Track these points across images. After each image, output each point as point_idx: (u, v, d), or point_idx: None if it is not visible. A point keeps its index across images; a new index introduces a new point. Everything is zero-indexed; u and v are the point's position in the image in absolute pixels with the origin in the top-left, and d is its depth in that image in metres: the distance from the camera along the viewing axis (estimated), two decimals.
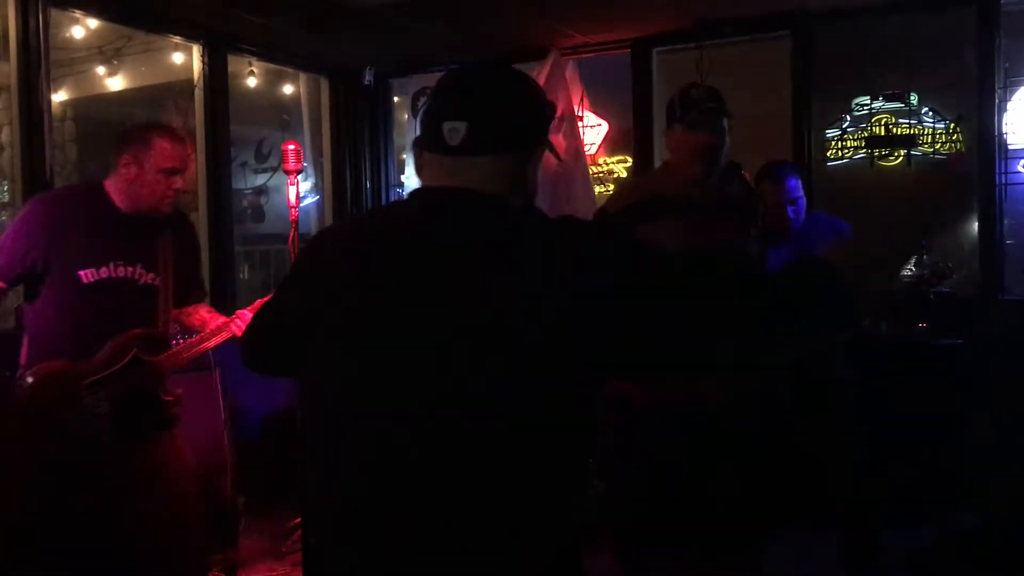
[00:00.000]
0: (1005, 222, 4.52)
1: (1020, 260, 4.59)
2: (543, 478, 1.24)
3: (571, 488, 1.30)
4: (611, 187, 5.58)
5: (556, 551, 1.29)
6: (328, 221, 5.89)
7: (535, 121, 1.37)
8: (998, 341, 4.21)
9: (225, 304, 4.27)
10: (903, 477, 3.92)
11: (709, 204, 2.70)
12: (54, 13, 4.13)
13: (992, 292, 4.48)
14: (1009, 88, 4.50)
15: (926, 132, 4.79)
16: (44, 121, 3.97)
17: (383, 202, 5.99)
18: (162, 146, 2.76)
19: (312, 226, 5.97)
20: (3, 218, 4.80)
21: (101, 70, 5.28)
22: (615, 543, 2.93)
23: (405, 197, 1.47)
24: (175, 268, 2.85)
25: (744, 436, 2.67)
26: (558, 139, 5.18)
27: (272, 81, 5.71)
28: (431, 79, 5.67)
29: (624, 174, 5.52)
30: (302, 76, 5.85)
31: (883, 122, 4.84)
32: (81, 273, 2.69)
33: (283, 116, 6.06)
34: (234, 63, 5.11)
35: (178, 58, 5.05)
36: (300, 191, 3.46)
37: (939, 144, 4.75)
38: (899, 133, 4.79)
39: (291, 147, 3.38)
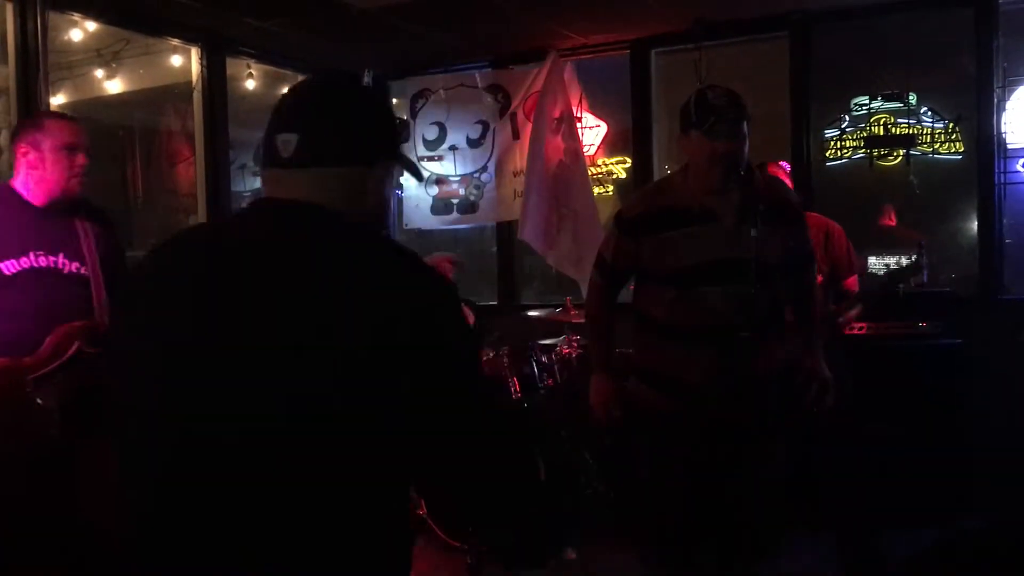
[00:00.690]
0: (1004, 221, 4.52)
1: (1019, 259, 4.59)
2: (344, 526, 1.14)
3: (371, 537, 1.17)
4: (610, 188, 5.58)
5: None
6: None
7: (375, 136, 1.30)
8: (997, 340, 4.21)
9: None
10: (903, 478, 3.92)
11: (727, 212, 2.61)
12: (53, 16, 4.13)
13: (991, 291, 4.48)
14: (1008, 88, 4.50)
15: (925, 132, 4.79)
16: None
17: None
18: (55, 125, 2.79)
19: None
20: None
21: (100, 73, 5.27)
22: (644, 541, 2.91)
23: (237, 212, 1.44)
24: (102, 258, 2.85)
25: (746, 437, 2.67)
26: (557, 141, 5.19)
27: (271, 83, 5.70)
28: (430, 81, 5.68)
29: (623, 175, 5.52)
30: (300, 79, 5.84)
31: (882, 122, 4.84)
32: (2, 265, 2.70)
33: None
34: (232, 66, 5.11)
35: (177, 61, 5.04)
36: None
37: (938, 144, 4.76)
38: (898, 133, 4.80)
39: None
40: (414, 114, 5.76)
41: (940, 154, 4.76)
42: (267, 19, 4.62)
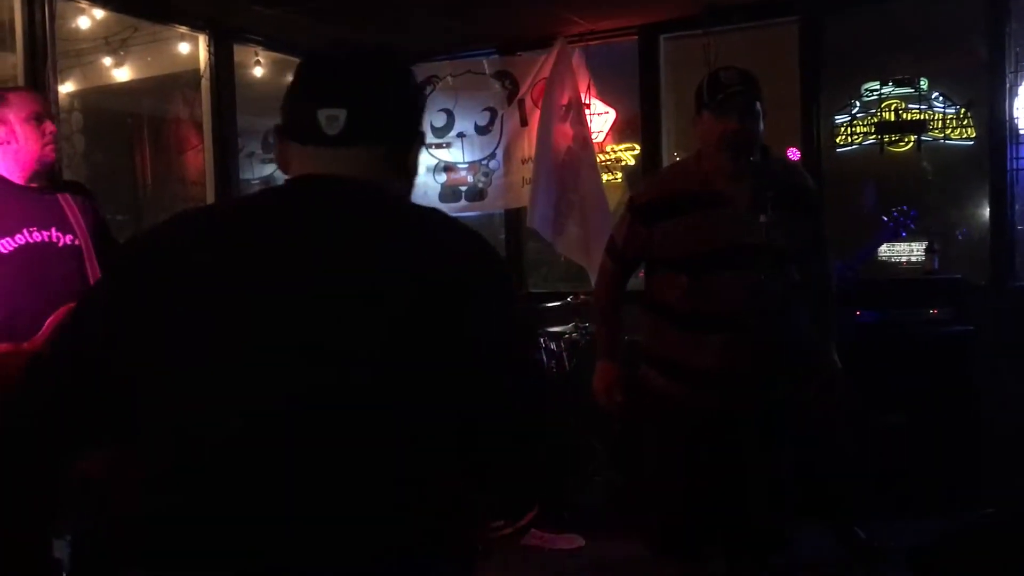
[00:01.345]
0: (1016, 207, 4.49)
1: None
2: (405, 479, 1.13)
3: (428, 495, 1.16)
4: (618, 175, 5.56)
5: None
6: None
7: (418, 112, 1.29)
8: (1009, 327, 4.19)
9: None
10: (913, 467, 3.90)
11: (739, 197, 2.54)
12: (60, 4, 4.12)
13: (1003, 278, 4.46)
14: (1020, 73, 4.45)
15: (936, 117, 4.75)
16: (51, 112, 3.97)
17: None
18: (18, 97, 2.83)
19: None
20: None
21: (107, 61, 5.26)
22: (650, 530, 2.90)
23: (272, 188, 1.33)
24: (90, 230, 2.86)
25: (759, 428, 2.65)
26: (565, 127, 5.17)
27: (279, 71, 5.69)
28: (437, 68, 5.66)
29: (631, 162, 5.49)
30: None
31: (893, 107, 4.80)
32: None
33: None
34: (240, 53, 5.10)
35: (184, 48, 5.04)
36: None
37: (949, 129, 4.72)
38: (909, 119, 4.76)
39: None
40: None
41: (951, 140, 4.72)
42: (274, 6, 4.61)
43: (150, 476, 1.14)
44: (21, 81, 3.99)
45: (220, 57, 4.89)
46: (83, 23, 4.64)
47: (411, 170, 1.29)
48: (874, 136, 4.82)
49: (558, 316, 4.66)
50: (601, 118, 5.42)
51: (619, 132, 5.51)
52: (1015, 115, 4.46)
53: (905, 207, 3.90)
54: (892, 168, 4.93)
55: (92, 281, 2.77)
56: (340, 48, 1.29)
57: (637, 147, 5.44)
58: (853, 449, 3.43)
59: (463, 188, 5.71)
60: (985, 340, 4.09)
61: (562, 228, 5.15)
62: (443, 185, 5.76)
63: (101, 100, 5.71)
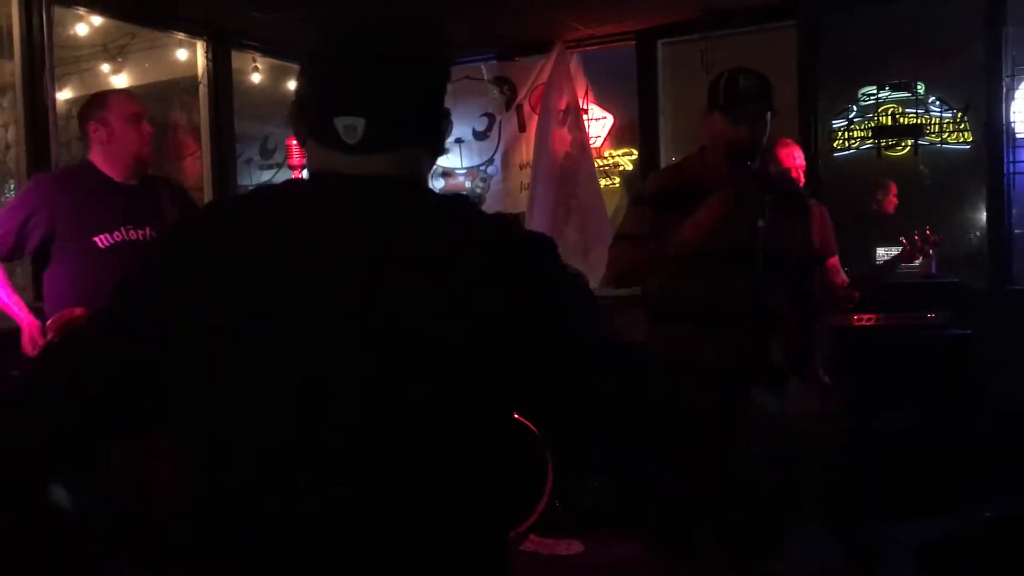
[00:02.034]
0: (1013, 211, 4.50)
1: None
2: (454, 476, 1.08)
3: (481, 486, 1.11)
4: (616, 180, 5.57)
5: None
6: None
7: (444, 91, 1.17)
8: (1007, 331, 4.19)
9: None
10: (912, 469, 3.91)
11: (740, 197, 2.53)
12: (58, 11, 4.13)
13: (1001, 281, 4.46)
14: (1017, 77, 4.47)
15: (933, 122, 4.76)
16: (49, 119, 3.98)
17: None
18: (118, 100, 2.97)
19: None
20: None
21: (106, 67, 5.27)
22: (650, 532, 2.89)
23: (296, 185, 1.24)
24: None
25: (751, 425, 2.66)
26: (563, 133, 5.18)
27: (277, 77, 5.70)
28: None
29: (629, 167, 5.50)
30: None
31: (890, 112, 4.82)
32: (96, 239, 2.79)
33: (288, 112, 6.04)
34: (238, 59, 5.11)
35: (182, 55, 5.04)
36: None
37: (946, 134, 4.73)
38: (906, 123, 4.77)
39: (296, 143, 3.40)
40: None
41: (948, 144, 4.74)
42: (273, 12, 4.61)
43: (197, 469, 1.09)
44: (19, 88, 4.00)
45: (218, 63, 4.90)
46: (81, 30, 4.65)
47: (428, 169, 1.20)
48: (871, 140, 4.84)
49: None
50: (599, 123, 5.43)
51: (617, 137, 5.52)
52: (1012, 119, 4.47)
53: (928, 232, 3.77)
54: (889, 172, 4.94)
55: None
56: (360, 25, 1.14)
57: (635, 152, 5.45)
58: (855, 452, 3.43)
59: (461, 193, 5.72)
60: (983, 343, 4.10)
61: (560, 233, 5.15)
62: (441, 190, 5.76)
63: None
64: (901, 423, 3.94)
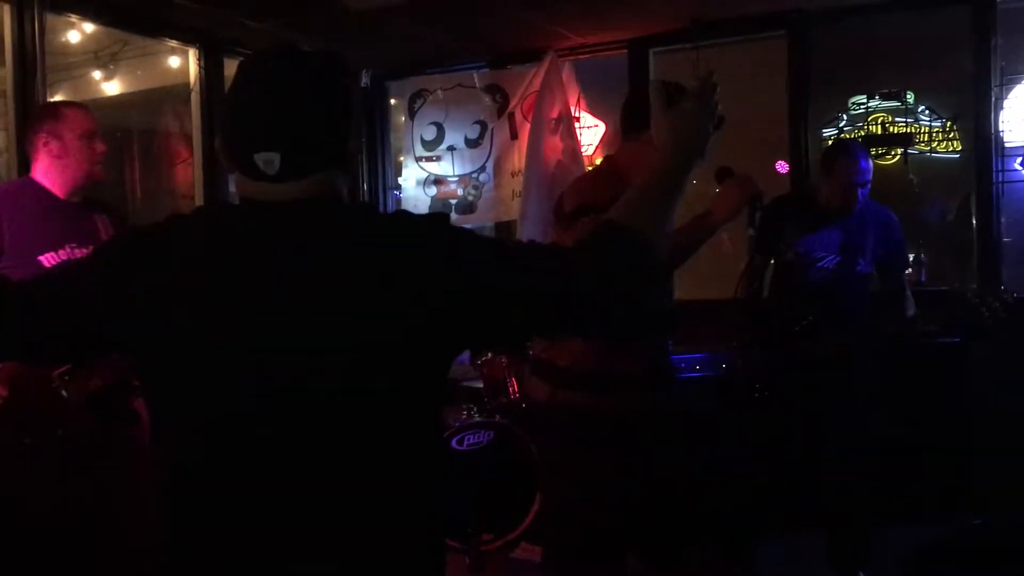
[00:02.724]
0: (1002, 220, 4.53)
1: (1017, 258, 4.59)
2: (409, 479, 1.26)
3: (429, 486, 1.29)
4: None
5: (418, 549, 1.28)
6: None
7: (353, 136, 1.30)
8: (996, 338, 4.21)
9: None
10: (902, 476, 3.92)
11: None
12: (50, 18, 4.12)
13: (990, 290, 4.48)
14: (1005, 86, 4.50)
15: (923, 131, 4.79)
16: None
17: (380, 203, 5.99)
18: (73, 114, 2.84)
19: None
20: None
21: (97, 75, 5.27)
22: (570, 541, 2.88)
23: (220, 210, 1.44)
24: None
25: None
26: (555, 141, 5.18)
27: None
28: (428, 81, 5.68)
29: None
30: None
31: (880, 121, 4.84)
32: (42, 258, 2.71)
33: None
34: (230, 67, 5.10)
35: (174, 62, 5.05)
36: None
37: (936, 143, 4.76)
38: (896, 132, 4.80)
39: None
40: (412, 114, 5.76)
41: (938, 153, 4.76)
42: (264, 20, 4.62)
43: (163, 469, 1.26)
44: (10, 95, 3.99)
45: (210, 71, 4.90)
46: (73, 37, 4.65)
47: (345, 185, 1.32)
48: None
49: None
50: (591, 131, 5.44)
51: (609, 145, 5.53)
52: (1000, 128, 4.49)
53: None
54: (879, 181, 4.96)
55: None
56: (261, 65, 1.28)
57: None
58: (847, 455, 3.43)
59: (453, 201, 5.72)
60: (973, 351, 4.12)
61: (552, 240, 5.15)
62: (433, 198, 5.77)
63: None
64: (890, 430, 3.95)
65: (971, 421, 4.08)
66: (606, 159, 2.91)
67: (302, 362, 1.17)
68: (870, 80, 4.85)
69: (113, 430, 2.70)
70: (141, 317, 1.22)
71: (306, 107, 1.24)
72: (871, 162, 3.47)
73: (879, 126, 4.84)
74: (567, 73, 5.28)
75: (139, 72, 5.34)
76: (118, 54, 4.97)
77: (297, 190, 1.25)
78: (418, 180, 5.73)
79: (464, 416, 4.16)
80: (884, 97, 4.84)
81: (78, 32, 4.63)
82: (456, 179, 5.69)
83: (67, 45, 4.70)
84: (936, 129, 4.77)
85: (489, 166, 5.57)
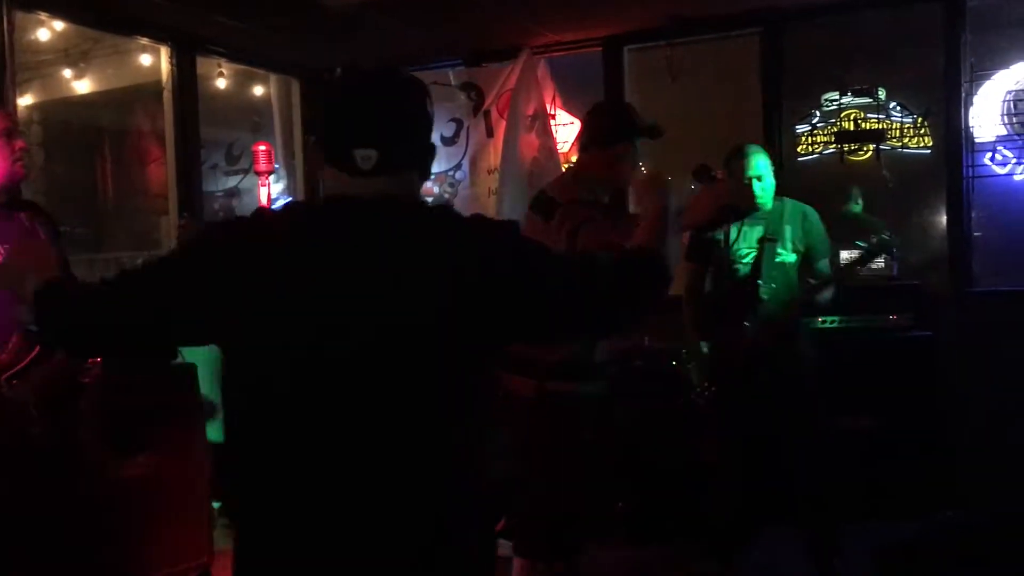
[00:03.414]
0: (973, 214, 4.58)
1: (988, 252, 4.64)
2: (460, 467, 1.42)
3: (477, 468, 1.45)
4: None
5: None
6: None
7: (430, 130, 1.55)
8: (967, 332, 4.26)
9: None
10: (874, 472, 3.96)
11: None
12: (19, 15, 4.07)
13: (961, 284, 4.54)
14: (975, 82, 4.55)
15: (894, 127, 4.84)
16: (19, 129, 3.92)
17: None
18: None
19: None
20: None
21: (68, 73, 5.22)
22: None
23: (322, 203, 1.56)
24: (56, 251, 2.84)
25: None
26: (531, 138, 5.19)
27: (242, 82, 5.67)
28: None
29: None
30: (272, 77, 5.81)
31: (852, 117, 4.89)
32: None
33: (254, 118, 6.02)
34: (203, 64, 5.07)
35: (146, 60, 5.00)
36: (272, 192, 3.45)
37: (907, 138, 4.81)
38: (868, 128, 4.85)
39: (262, 148, 3.38)
40: None
41: (909, 148, 4.81)
42: (238, 17, 4.59)
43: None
44: None
45: (183, 69, 4.85)
46: (43, 35, 4.60)
47: (420, 187, 1.57)
48: (834, 145, 4.90)
49: None
50: (567, 128, 5.45)
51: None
52: (971, 124, 4.54)
53: (887, 236, 3.69)
54: (852, 177, 5.02)
55: None
56: (367, 79, 1.52)
57: None
58: (821, 451, 3.45)
59: (429, 199, 5.71)
60: (944, 345, 4.16)
61: None
62: None
63: (61, 113, 5.65)
64: (864, 424, 3.99)
65: (942, 415, 4.12)
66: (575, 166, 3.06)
67: (373, 322, 1.37)
68: (842, 77, 4.90)
69: (65, 434, 2.67)
70: (247, 299, 1.39)
71: (400, 114, 1.50)
72: (767, 159, 3.52)
73: (851, 122, 4.88)
74: (542, 70, 5.29)
75: (110, 70, 5.29)
76: (89, 52, 4.93)
77: (383, 185, 1.46)
78: None
79: None
80: (856, 94, 4.88)
81: (48, 30, 4.57)
82: (432, 177, 5.67)
83: (36, 43, 4.65)
84: (907, 125, 4.82)
85: (465, 164, 5.56)
